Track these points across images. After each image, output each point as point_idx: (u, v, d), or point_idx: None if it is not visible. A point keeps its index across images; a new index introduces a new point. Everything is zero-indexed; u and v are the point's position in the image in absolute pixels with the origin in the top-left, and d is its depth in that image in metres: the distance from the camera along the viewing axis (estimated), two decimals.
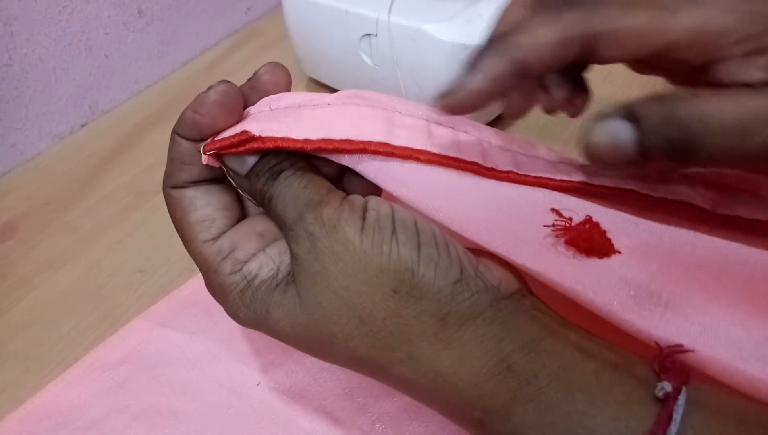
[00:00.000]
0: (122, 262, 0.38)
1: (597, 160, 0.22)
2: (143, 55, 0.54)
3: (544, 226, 0.22)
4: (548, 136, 0.41)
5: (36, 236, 0.41)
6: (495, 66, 0.21)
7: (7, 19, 0.44)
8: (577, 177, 0.24)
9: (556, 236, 0.22)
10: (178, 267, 0.37)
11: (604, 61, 0.22)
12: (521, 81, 0.22)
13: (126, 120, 0.52)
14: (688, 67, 0.21)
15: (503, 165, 0.24)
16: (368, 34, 0.40)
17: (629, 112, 0.22)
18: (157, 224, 0.41)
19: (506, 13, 0.24)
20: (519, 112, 0.26)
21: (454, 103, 0.22)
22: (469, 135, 0.25)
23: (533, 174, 0.24)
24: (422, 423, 0.27)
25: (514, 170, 0.24)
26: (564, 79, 0.24)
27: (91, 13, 0.49)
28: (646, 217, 0.23)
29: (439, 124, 0.24)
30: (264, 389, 0.29)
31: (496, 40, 0.22)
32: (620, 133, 0.21)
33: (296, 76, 0.51)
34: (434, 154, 0.23)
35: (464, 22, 0.37)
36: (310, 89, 0.51)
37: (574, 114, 0.25)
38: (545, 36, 0.21)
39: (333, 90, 0.48)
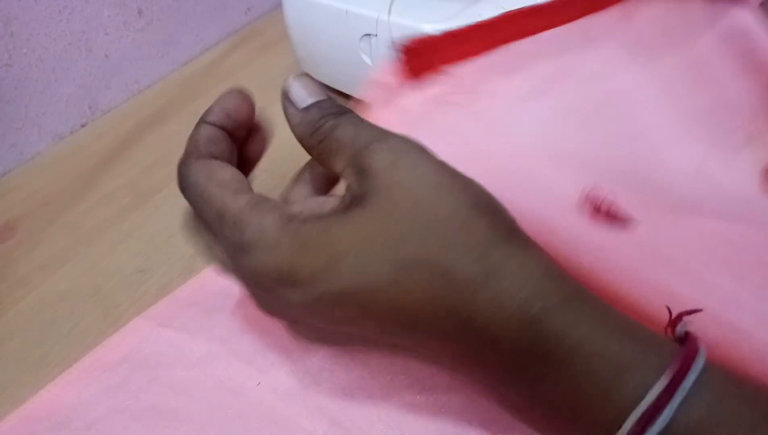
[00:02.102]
0: (122, 262, 0.38)
1: None
2: (143, 55, 0.54)
3: (572, 190, 0.25)
4: None
5: (36, 236, 0.41)
6: None
7: (7, 19, 0.44)
8: None
9: (583, 204, 0.25)
10: (178, 267, 0.37)
11: None
12: None
13: (126, 120, 0.52)
14: None
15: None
16: (368, 34, 0.40)
17: None
18: (157, 224, 0.41)
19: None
20: None
21: None
22: None
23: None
24: (422, 423, 0.27)
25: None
26: None
27: (91, 13, 0.49)
28: None
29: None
30: (264, 389, 0.29)
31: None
32: None
33: None
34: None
35: (464, 23, 0.37)
36: None
37: None
38: None
39: (333, 90, 0.49)
